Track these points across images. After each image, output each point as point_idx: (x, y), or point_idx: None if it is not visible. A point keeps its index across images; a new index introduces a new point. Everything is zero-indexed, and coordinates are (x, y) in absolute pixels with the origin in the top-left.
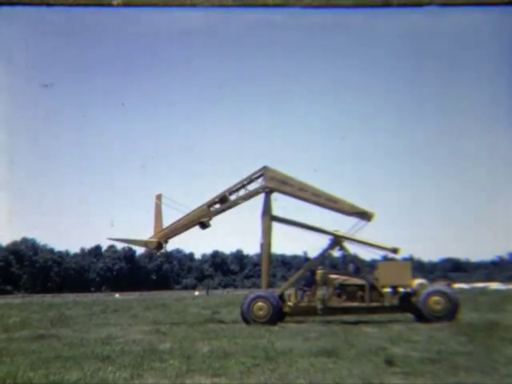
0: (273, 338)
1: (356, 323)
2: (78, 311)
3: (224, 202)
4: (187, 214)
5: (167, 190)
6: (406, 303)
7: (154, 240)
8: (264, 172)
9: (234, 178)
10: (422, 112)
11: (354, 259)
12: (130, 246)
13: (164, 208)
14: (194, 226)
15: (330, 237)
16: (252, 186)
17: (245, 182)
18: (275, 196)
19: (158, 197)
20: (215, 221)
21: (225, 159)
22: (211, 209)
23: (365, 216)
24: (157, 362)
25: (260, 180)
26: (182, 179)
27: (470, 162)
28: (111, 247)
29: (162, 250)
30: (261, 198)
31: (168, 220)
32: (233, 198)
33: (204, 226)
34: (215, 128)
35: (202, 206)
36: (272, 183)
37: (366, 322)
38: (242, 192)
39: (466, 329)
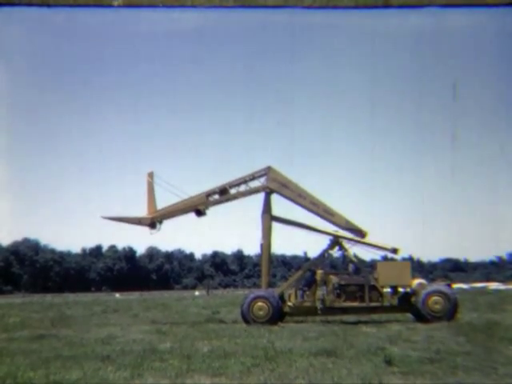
0: (272, 338)
1: (355, 323)
2: (78, 311)
3: (223, 194)
4: (185, 199)
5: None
6: (406, 303)
7: (149, 217)
8: (267, 172)
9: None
10: (422, 113)
11: (353, 259)
12: (124, 223)
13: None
14: (190, 211)
15: (330, 237)
16: (253, 184)
17: (247, 179)
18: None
19: (150, 175)
20: (216, 222)
21: (223, 157)
22: (210, 198)
23: (358, 233)
24: (157, 362)
25: (262, 179)
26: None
27: (470, 162)
28: (112, 247)
29: (156, 230)
30: (261, 198)
31: (159, 199)
32: (233, 191)
33: (200, 213)
34: (215, 128)
35: (201, 194)
36: (273, 184)
37: (365, 322)
38: (242, 187)
39: (465, 329)
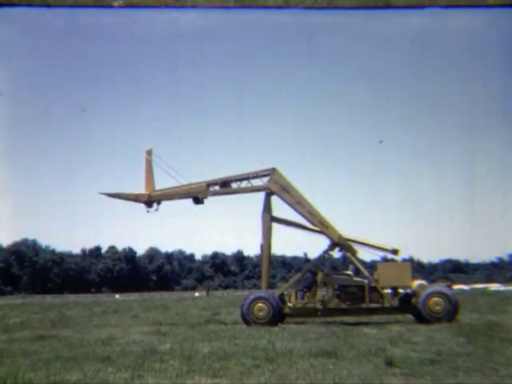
0: (273, 339)
1: (356, 324)
2: (78, 312)
3: (224, 186)
4: (185, 185)
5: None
6: (406, 304)
7: (146, 193)
8: (271, 173)
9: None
10: (423, 113)
11: (354, 261)
12: (121, 199)
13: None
14: (188, 197)
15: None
16: (255, 182)
17: (250, 176)
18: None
19: (149, 152)
20: (216, 222)
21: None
22: (210, 188)
23: (350, 250)
24: (157, 363)
25: (265, 179)
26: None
27: (470, 163)
28: (112, 248)
29: (153, 209)
30: (262, 198)
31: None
32: (234, 186)
33: (198, 201)
34: (215, 128)
35: (202, 182)
36: (274, 187)
37: (365, 323)
38: (244, 183)
39: (465, 330)
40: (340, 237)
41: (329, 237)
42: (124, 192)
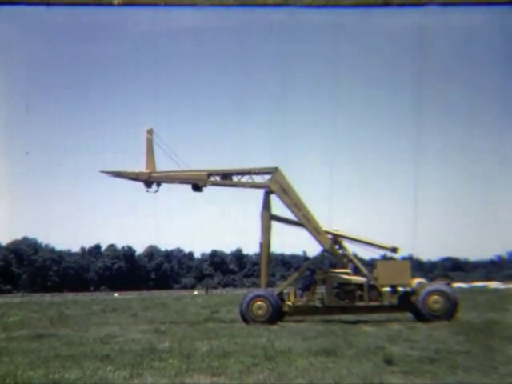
0: (272, 338)
1: (355, 322)
2: (77, 310)
3: (225, 178)
4: (186, 170)
5: None
6: (406, 302)
7: (146, 172)
8: (273, 172)
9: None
10: (422, 111)
11: (352, 259)
12: (122, 178)
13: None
14: (188, 183)
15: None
16: (256, 179)
17: (252, 171)
18: None
19: (149, 131)
20: (215, 221)
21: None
22: (211, 178)
23: (339, 259)
24: (156, 361)
25: (266, 177)
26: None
27: (470, 161)
28: (111, 246)
29: (152, 190)
30: (261, 196)
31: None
32: (234, 179)
33: (197, 188)
34: (214, 128)
35: (203, 170)
36: (274, 186)
37: (365, 322)
38: (245, 178)
39: (465, 328)
40: (332, 245)
41: (320, 243)
42: (124, 171)
